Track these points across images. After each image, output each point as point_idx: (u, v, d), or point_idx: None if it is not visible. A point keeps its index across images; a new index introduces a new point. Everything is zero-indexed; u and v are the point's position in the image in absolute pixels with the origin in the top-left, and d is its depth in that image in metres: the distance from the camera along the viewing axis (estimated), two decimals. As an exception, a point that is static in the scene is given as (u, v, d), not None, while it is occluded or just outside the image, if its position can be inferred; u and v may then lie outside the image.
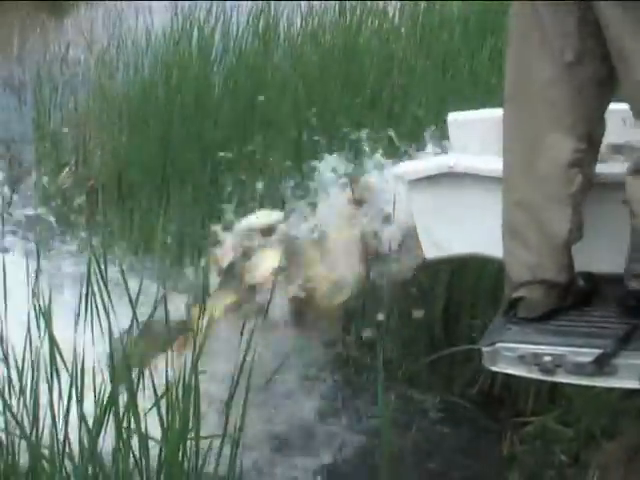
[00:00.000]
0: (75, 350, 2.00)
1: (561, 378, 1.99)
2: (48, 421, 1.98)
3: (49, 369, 2.02)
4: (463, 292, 3.06)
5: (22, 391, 2.05)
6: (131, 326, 2.03)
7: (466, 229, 2.38)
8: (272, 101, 4.03)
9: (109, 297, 2.07)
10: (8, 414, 2.00)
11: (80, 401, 1.95)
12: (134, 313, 2.03)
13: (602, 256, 2.15)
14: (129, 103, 4.66)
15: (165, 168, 4.03)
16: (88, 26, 6.48)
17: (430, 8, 5.29)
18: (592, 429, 2.67)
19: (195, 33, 5.00)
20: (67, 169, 4.64)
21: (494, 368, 2.06)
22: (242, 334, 2.01)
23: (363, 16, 5.27)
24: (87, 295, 2.13)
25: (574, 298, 2.10)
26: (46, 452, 1.97)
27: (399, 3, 5.54)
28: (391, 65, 4.40)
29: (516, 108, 2.10)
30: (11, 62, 6.09)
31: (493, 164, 2.27)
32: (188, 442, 1.96)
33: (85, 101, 5.05)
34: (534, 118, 2.04)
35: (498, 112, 2.31)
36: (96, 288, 2.13)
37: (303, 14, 5.40)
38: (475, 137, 2.53)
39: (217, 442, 2.02)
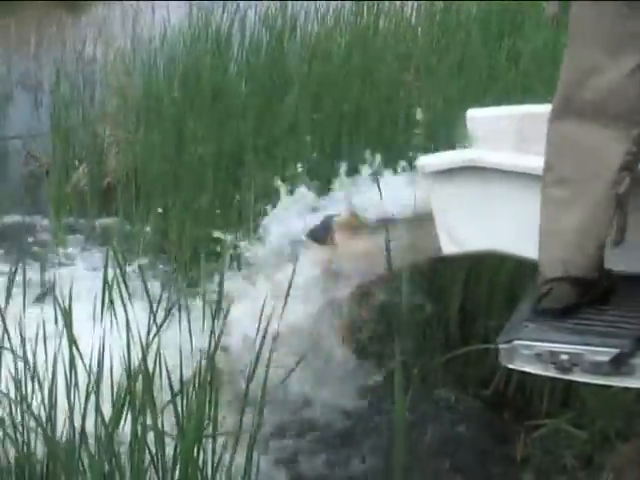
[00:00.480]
0: (92, 345, 2.01)
1: (577, 377, 1.98)
2: (65, 415, 1.99)
3: (67, 363, 2.03)
4: (479, 292, 3.06)
5: (39, 384, 2.06)
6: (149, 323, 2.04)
7: (485, 225, 2.38)
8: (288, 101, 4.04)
9: (128, 293, 2.08)
10: (25, 406, 2.01)
11: (97, 395, 1.96)
12: (151, 310, 2.04)
13: (622, 255, 2.14)
14: (146, 100, 4.68)
15: (181, 166, 4.04)
16: (105, 24, 6.53)
17: (447, 8, 5.28)
18: (606, 431, 2.66)
19: (211, 31, 5.03)
20: (82, 167, 4.67)
21: (510, 365, 2.05)
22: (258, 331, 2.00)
23: (380, 16, 5.28)
24: (105, 291, 2.14)
25: (593, 296, 2.09)
26: (62, 446, 1.98)
27: (416, 3, 5.55)
28: (408, 65, 4.41)
29: (570, 108, 2.07)
30: (29, 60, 6.12)
31: (515, 160, 2.27)
32: (204, 439, 1.97)
33: (102, 99, 5.08)
34: (589, 119, 2.02)
35: (517, 109, 2.31)
36: (115, 285, 2.14)
37: (320, 13, 5.41)
38: (494, 133, 2.53)
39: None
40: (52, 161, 4.71)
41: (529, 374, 2.81)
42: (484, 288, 3.05)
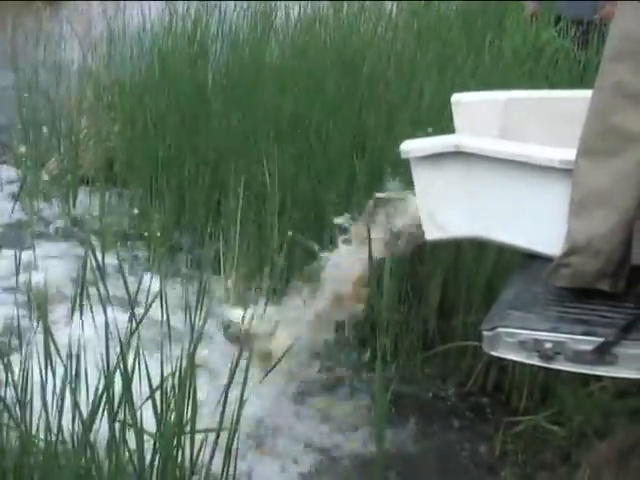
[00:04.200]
0: (70, 340, 1.98)
1: (561, 366, 1.97)
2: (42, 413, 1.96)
3: (43, 359, 2.00)
4: (458, 288, 3.05)
5: (13, 380, 2.02)
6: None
7: (469, 211, 2.36)
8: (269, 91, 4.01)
9: (105, 288, 2.05)
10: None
11: (74, 392, 1.93)
12: (131, 304, 2.01)
13: None
14: (123, 91, 4.64)
15: (158, 158, 4.01)
16: (83, 15, 6.46)
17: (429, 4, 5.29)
18: (584, 429, 2.67)
19: (189, 23, 5.00)
20: (54, 157, 4.61)
21: (494, 353, 2.03)
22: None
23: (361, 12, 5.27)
24: (82, 286, 2.11)
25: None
26: (37, 442, 1.95)
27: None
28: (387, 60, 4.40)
29: (608, 100, 2.02)
30: (5, 48, 6.04)
31: (499, 145, 2.26)
32: (183, 436, 1.95)
33: (77, 89, 5.02)
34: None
35: (502, 94, 2.29)
36: (92, 279, 2.11)
37: (301, 8, 5.39)
38: (479, 118, 2.52)
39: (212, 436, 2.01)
40: (26, 151, 4.64)
41: (509, 367, 2.87)
42: (463, 284, 3.05)
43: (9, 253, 3.05)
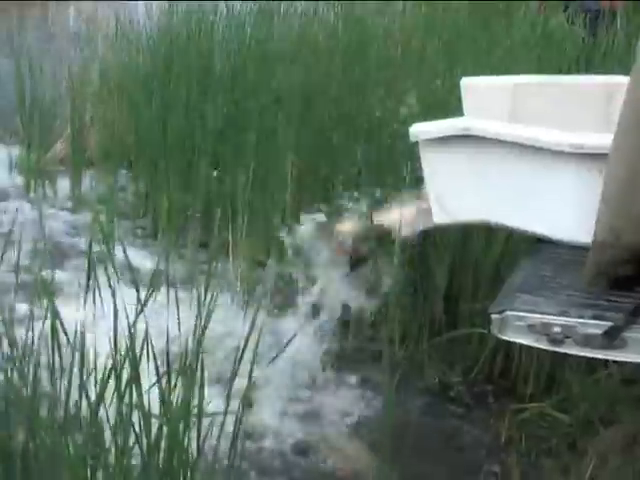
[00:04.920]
0: (77, 323, 1.97)
1: (570, 349, 1.96)
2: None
3: (50, 342, 2.00)
4: (465, 275, 3.04)
5: (21, 362, 2.01)
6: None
7: (478, 195, 2.35)
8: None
9: (115, 271, 2.04)
10: (7, 384, 1.97)
11: (81, 373, 1.93)
12: (137, 287, 2.00)
13: None
14: (128, 75, 4.62)
15: (165, 140, 3.99)
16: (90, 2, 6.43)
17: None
18: (590, 416, 2.67)
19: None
20: (60, 141, 4.61)
21: (502, 336, 2.02)
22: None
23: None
24: (90, 269, 2.10)
25: None
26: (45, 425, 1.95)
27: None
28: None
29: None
30: (11, 32, 6.01)
31: (509, 129, 2.24)
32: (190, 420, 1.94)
33: (84, 72, 5.00)
34: None
35: (511, 79, 2.27)
36: (100, 263, 2.09)
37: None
38: (488, 102, 2.51)
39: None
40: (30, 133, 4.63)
41: (515, 354, 2.87)
42: (470, 271, 3.04)
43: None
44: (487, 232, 2.92)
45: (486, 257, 2.98)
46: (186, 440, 1.94)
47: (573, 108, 2.52)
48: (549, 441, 2.68)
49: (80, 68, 4.93)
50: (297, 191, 3.46)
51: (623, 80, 2.06)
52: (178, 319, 2.03)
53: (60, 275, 3.08)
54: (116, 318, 1.93)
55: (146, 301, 1.99)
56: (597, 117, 2.52)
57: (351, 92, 3.78)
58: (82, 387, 1.91)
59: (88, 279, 2.08)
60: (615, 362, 2.45)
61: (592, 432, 2.63)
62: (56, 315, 1.96)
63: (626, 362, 2.07)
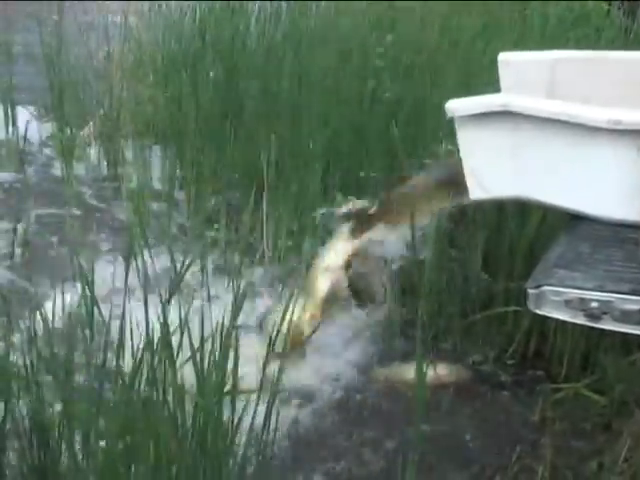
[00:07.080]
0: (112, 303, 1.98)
1: (607, 325, 1.93)
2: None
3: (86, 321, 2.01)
4: (500, 254, 3.02)
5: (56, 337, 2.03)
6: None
7: (514, 171, 2.32)
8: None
9: (149, 251, 2.05)
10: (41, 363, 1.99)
11: (117, 349, 1.94)
12: (174, 267, 2.01)
13: None
14: (163, 54, 4.61)
15: (197, 116, 3.99)
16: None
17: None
18: (625, 397, 2.64)
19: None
20: (92, 121, 4.62)
21: (538, 311, 2.00)
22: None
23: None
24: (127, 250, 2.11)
25: None
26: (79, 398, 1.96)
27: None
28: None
29: None
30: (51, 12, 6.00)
31: (547, 105, 2.22)
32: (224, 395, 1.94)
33: (118, 51, 5.00)
34: None
35: (550, 54, 2.23)
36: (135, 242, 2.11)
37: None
38: (526, 78, 2.48)
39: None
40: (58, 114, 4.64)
41: (550, 334, 2.84)
42: (505, 249, 3.01)
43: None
44: (521, 211, 2.89)
45: (521, 234, 2.95)
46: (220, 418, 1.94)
47: (613, 84, 2.49)
48: (584, 422, 2.66)
49: (117, 43, 4.93)
50: (331, 171, 3.44)
51: None
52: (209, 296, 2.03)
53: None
54: (146, 290, 1.93)
55: (182, 275, 2.00)
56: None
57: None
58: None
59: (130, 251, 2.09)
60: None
61: (627, 413, 2.60)
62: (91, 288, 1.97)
63: None
